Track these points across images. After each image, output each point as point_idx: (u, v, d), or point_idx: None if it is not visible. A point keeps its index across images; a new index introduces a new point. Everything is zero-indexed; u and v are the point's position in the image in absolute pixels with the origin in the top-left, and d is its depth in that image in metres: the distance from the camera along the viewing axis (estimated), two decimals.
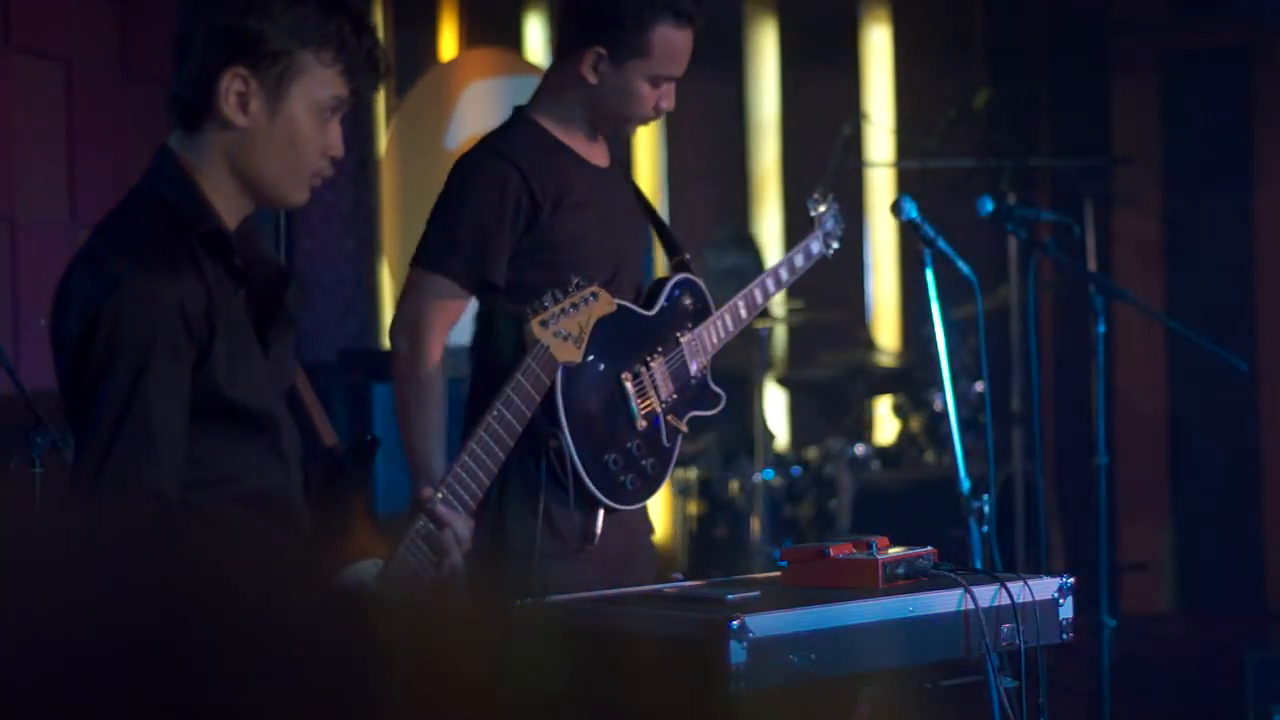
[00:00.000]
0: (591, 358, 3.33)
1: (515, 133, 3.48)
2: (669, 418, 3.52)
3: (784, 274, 3.78)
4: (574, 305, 2.91)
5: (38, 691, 0.96)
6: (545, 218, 3.40)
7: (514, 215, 3.39)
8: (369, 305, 7.26)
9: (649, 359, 3.49)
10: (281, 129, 2.48)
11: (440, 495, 2.64)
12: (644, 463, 3.47)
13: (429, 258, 3.43)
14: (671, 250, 3.69)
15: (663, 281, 3.59)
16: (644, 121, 3.54)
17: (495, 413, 2.74)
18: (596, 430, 3.39)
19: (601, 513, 3.40)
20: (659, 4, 3.41)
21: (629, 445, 3.44)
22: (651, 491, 3.49)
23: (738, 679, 2.71)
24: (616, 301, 3.40)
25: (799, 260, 3.81)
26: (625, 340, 3.46)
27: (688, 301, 3.59)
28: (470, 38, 7.54)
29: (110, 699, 0.95)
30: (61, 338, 2.42)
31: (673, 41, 3.44)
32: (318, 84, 2.49)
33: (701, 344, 3.60)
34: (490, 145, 3.48)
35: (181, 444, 2.40)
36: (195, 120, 2.50)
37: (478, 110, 7.11)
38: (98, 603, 0.98)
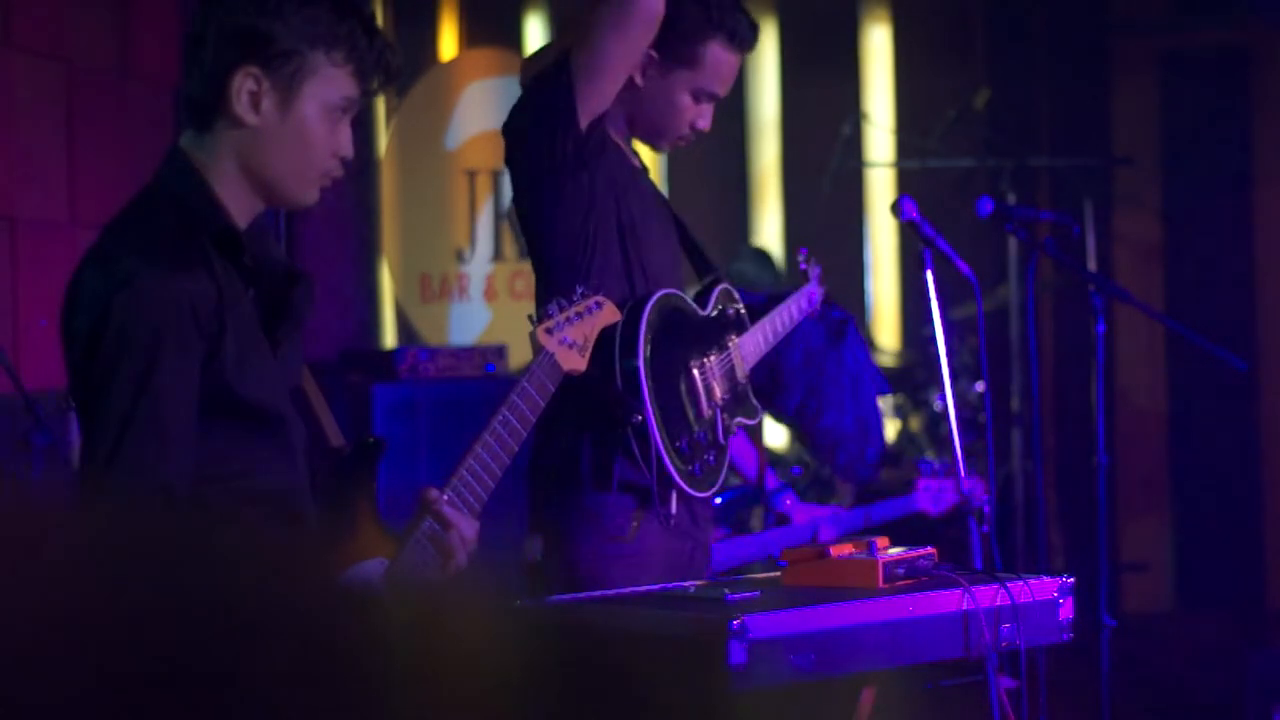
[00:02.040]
0: (664, 343, 3.38)
1: None
2: (724, 416, 3.55)
3: (795, 312, 3.86)
4: (579, 314, 2.94)
5: (42, 685, 0.96)
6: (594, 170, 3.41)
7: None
8: (369, 305, 7.27)
9: (708, 355, 3.52)
10: (293, 128, 2.50)
11: (446, 497, 2.66)
12: (707, 454, 3.48)
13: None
14: (706, 269, 3.70)
15: (709, 287, 3.63)
16: (678, 139, 3.56)
17: (500, 417, 2.76)
18: (670, 413, 3.41)
19: (675, 495, 3.41)
20: (718, 22, 3.48)
21: (695, 433, 3.46)
22: (712, 484, 3.50)
23: (738, 679, 2.71)
24: (681, 294, 3.48)
25: (804, 303, 3.91)
26: (690, 332, 3.50)
27: (730, 311, 3.63)
28: (470, 38, 7.55)
29: (113, 693, 0.95)
30: (72, 333, 2.43)
31: (723, 61, 3.51)
32: (329, 84, 2.50)
33: (745, 353, 3.64)
34: None
35: (191, 439, 2.41)
36: (207, 120, 2.51)
37: (478, 110, 7.11)
38: (104, 598, 0.98)
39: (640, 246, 3.45)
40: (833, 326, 4.32)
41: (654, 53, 3.45)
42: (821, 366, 4.41)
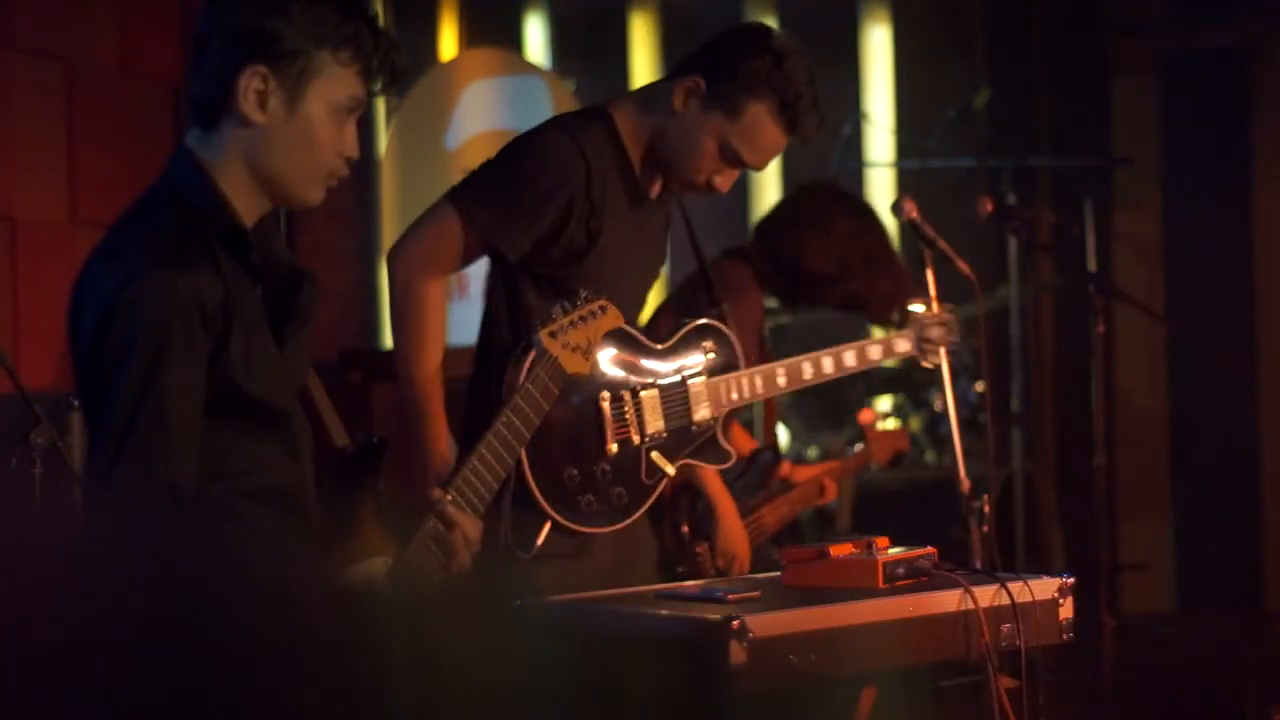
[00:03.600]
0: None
1: (593, 130, 3.41)
2: (653, 454, 3.42)
3: (850, 359, 3.69)
4: (582, 318, 2.94)
5: (50, 673, 0.96)
6: (588, 219, 3.35)
7: (564, 203, 3.33)
8: (369, 305, 7.26)
9: (639, 389, 3.40)
10: (299, 128, 2.50)
11: (450, 497, 2.67)
12: (612, 490, 3.37)
13: (461, 199, 3.36)
14: (712, 302, 3.63)
15: (685, 321, 3.53)
16: (690, 185, 3.46)
17: (505, 419, 2.78)
18: (559, 439, 3.30)
19: (548, 525, 3.30)
20: (776, 86, 3.39)
21: (594, 467, 3.34)
22: (615, 521, 3.38)
23: (738, 679, 2.71)
24: (622, 326, 3.36)
25: (874, 353, 3.74)
26: (619, 364, 3.39)
27: (710, 350, 3.50)
28: (470, 38, 7.54)
29: (119, 684, 0.95)
30: (78, 329, 2.44)
31: (764, 127, 3.40)
32: (335, 84, 2.51)
33: (715, 395, 3.50)
34: (568, 129, 3.41)
35: (196, 435, 2.41)
36: (213, 119, 2.52)
37: (478, 110, 7.11)
38: (110, 592, 0.98)
39: (614, 289, 3.32)
40: None
41: (702, 83, 3.39)
42: None
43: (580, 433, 3.34)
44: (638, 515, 3.43)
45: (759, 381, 3.57)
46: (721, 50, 3.43)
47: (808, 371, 3.63)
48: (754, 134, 3.40)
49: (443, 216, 3.36)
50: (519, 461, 3.19)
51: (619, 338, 3.37)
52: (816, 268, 4.60)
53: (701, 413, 3.48)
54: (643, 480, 3.42)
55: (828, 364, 3.66)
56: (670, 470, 3.45)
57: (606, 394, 3.37)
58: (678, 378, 3.47)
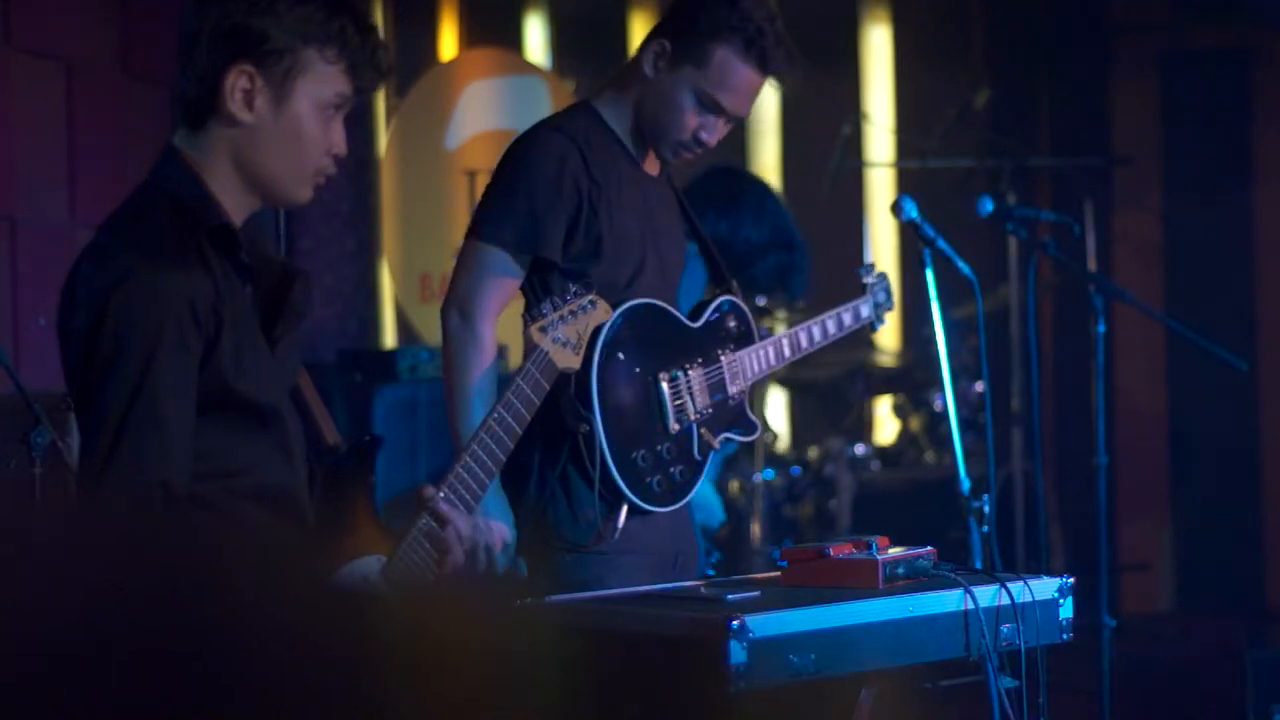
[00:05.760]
0: (629, 353, 3.36)
1: (576, 118, 3.47)
2: (702, 430, 3.50)
3: (830, 327, 3.74)
4: (572, 312, 2.95)
5: (39, 679, 0.96)
6: (596, 200, 3.39)
7: (572, 189, 3.36)
8: (369, 305, 7.27)
9: (687, 367, 3.48)
10: (286, 126, 2.50)
11: (443, 494, 2.67)
12: (673, 469, 3.44)
13: (483, 229, 3.37)
14: (719, 280, 3.67)
15: (709, 300, 3.59)
16: (680, 146, 3.48)
17: (495, 415, 2.78)
18: (627, 424, 3.37)
19: (625, 509, 3.36)
20: (736, 25, 3.41)
21: (659, 447, 3.41)
22: (677, 499, 3.45)
23: (738, 679, 2.71)
24: (661, 305, 3.45)
25: (847, 318, 3.77)
26: (665, 343, 3.46)
27: (731, 324, 3.59)
28: (470, 38, 7.55)
29: (110, 690, 0.95)
30: (69, 330, 2.43)
31: (734, 70, 3.42)
32: (322, 82, 2.51)
33: (743, 368, 3.58)
34: (551, 123, 3.48)
35: (189, 435, 2.41)
36: (200, 118, 2.51)
37: (478, 110, 7.11)
38: (102, 595, 0.98)
39: (606, 254, 3.41)
40: None
41: (667, 43, 3.42)
42: None
43: (643, 414, 3.41)
44: (693, 492, 3.51)
45: (771, 352, 3.65)
46: (680, 8, 3.47)
47: (804, 339, 3.71)
48: (725, 77, 3.42)
49: (473, 253, 3.37)
50: (600, 451, 3.29)
51: (663, 318, 3.45)
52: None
53: (735, 386, 3.57)
54: (695, 456, 3.49)
55: (816, 332, 3.72)
56: (716, 444, 3.52)
57: (665, 374, 3.43)
58: (714, 353, 3.54)
